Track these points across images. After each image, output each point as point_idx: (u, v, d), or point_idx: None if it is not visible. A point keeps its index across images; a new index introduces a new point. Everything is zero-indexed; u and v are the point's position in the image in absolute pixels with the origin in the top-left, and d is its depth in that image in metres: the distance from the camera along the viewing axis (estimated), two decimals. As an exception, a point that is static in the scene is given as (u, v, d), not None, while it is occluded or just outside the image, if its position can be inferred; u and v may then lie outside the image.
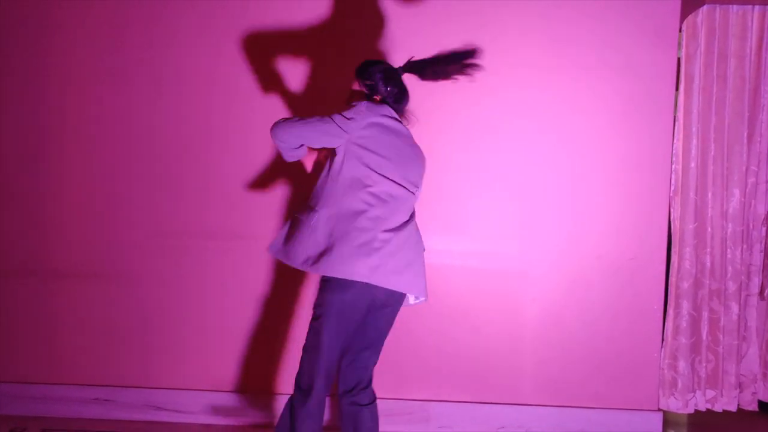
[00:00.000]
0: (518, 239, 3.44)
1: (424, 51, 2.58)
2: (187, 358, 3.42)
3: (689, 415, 3.65)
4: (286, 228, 2.47)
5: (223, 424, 3.39)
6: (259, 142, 3.35)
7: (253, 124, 3.38)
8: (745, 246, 3.60)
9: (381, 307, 2.44)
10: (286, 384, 3.39)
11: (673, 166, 3.52)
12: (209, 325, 3.42)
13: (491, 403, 3.43)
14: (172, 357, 3.42)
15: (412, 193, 2.50)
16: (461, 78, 2.56)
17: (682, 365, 3.53)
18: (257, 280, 3.42)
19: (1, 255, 3.43)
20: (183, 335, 3.42)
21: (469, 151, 3.43)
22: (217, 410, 3.40)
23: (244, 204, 3.42)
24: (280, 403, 3.37)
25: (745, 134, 3.56)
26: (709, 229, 3.57)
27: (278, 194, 3.41)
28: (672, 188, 3.50)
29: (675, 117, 3.51)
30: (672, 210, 3.52)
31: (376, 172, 2.38)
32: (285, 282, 3.41)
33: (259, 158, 3.41)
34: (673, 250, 3.53)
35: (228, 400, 3.41)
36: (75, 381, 3.41)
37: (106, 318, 3.42)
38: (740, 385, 3.63)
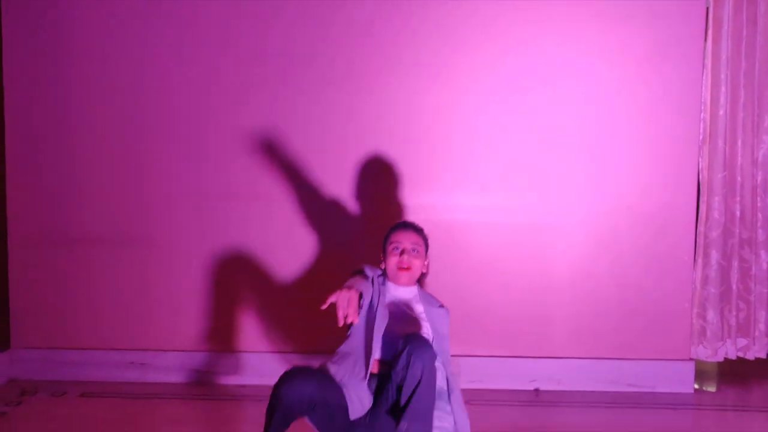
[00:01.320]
0: (546, 192, 3.42)
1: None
2: (219, 320, 3.45)
3: (719, 363, 3.67)
4: None
5: (258, 383, 3.44)
6: (279, 101, 3.36)
7: (271, 86, 3.36)
8: (775, 193, 3.56)
9: None
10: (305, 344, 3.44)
11: (702, 115, 3.47)
12: (240, 287, 3.45)
13: (521, 357, 3.45)
14: (205, 320, 3.45)
15: None
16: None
17: (711, 314, 3.52)
18: (286, 242, 3.43)
19: (36, 225, 3.45)
20: (214, 298, 3.45)
21: (494, 105, 3.39)
22: (254, 371, 3.45)
23: (268, 165, 3.41)
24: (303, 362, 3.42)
25: (776, 79, 3.49)
26: (739, 178, 3.52)
27: (297, 153, 3.41)
28: (701, 137, 3.45)
29: (703, 64, 3.44)
30: (700, 159, 3.47)
31: None
32: (316, 247, 3.42)
33: (280, 118, 3.39)
34: (701, 199, 3.50)
35: (264, 360, 3.45)
36: (111, 346, 3.46)
37: (138, 283, 3.45)
38: (769, 332, 3.64)
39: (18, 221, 3.44)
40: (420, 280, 2.78)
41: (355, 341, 2.53)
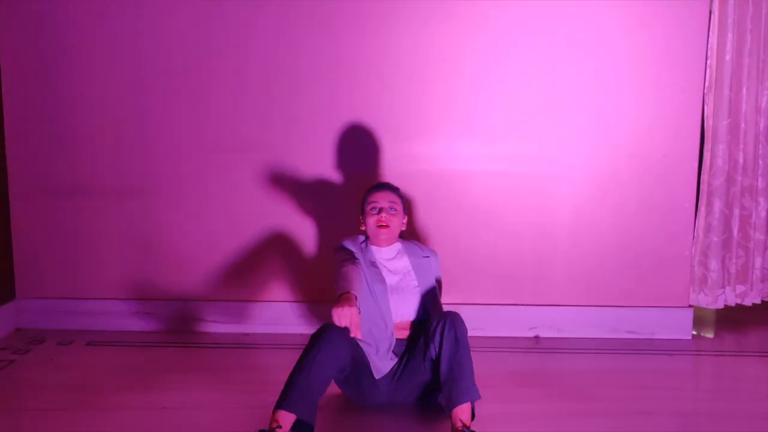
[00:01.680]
0: (548, 141, 3.40)
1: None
2: (222, 270, 3.48)
3: (717, 310, 3.71)
4: None
5: (260, 332, 3.48)
6: (290, 53, 3.32)
7: (282, 36, 3.31)
8: (777, 140, 3.54)
9: None
10: (311, 292, 3.47)
11: (708, 61, 3.42)
12: (244, 238, 3.46)
13: (523, 304, 3.49)
14: (207, 269, 3.48)
15: None
16: None
17: (713, 262, 3.54)
18: (286, 191, 3.43)
19: (36, 175, 3.43)
20: (217, 248, 3.46)
21: (495, 49, 3.34)
22: (258, 319, 3.49)
23: (276, 115, 3.38)
24: (303, 311, 3.46)
25: (784, 24, 3.43)
26: (743, 125, 3.50)
27: (314, 106, 3.37)
28: (706, 84, 3.41)
29: (710, 9, 3.37)
30: (705, 106, 3.44)
31: None
32: (321, 198, 3.42)
33: (290, 67, 3.34)
34: (705, 147, 3.48)
35: (269, 309, 3.49)
36: (116, 296, 3.49)
37: (141, 233, 3.46)
38: (764, 278, 3.67)
39: (18, 171, 3.43)
40: (404, 234, 2.84)
41: (366, 312, 2.59)
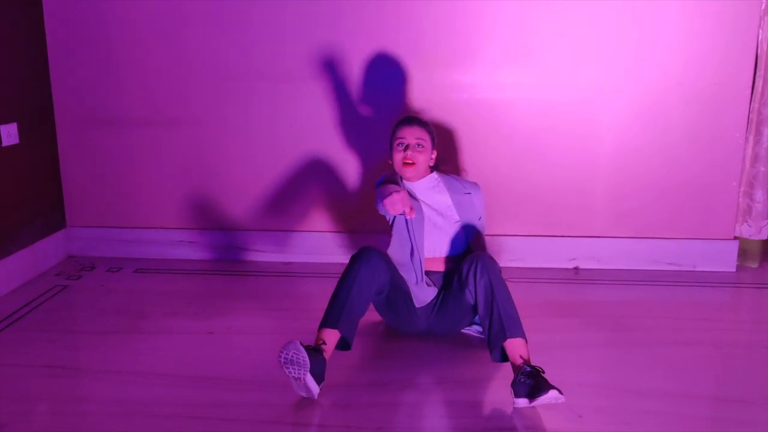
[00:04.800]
0: (593, 67, 3.31)
1: None
2: (264, 199, 3.52)
3: (762, 241, 3.64)
4: None
5: (302, 261, 3.55)
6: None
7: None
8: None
9: None
10: (351, 223, 3.50)
11: (765, -18, 3.25)
12: (285, 168, 3.49)
13: (563, 236, 3.47)
14: (251, 199, 3.53)
15: None
16: None
17: (759, 193, 3.45)
18: (327, 122, 3.42)
19: (81, 108, 3.48)
20: (260, 177, 3.50)
21: (541, -25, 3.23)
22: (299, 249, 3.55)
23: (314, 44, 3.35)
24: (345, 241, 3.50)
25: None
26: (798, 50, 3.34)
27: (356, 30, 3.33)
28: (763, 6, 3.25)
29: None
30: (761, 31, 3.29)
31: None
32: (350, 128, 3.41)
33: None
34: (757, 74, 3.34)
35: (309, 238, 3.55)
36: (163, 225, 3.57)
37: (186, 163, 3.51)
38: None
39: (64, 102, 3.48)
40: (441, 167, 2.81)
41: (400, 237, 2.63)
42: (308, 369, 2.17)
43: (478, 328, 2.71)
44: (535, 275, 3.40)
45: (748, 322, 3.06)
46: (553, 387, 2.11)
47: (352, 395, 2.32)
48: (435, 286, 2.63)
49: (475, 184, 2.80)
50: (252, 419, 2.15)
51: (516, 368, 2.27)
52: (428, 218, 2.65)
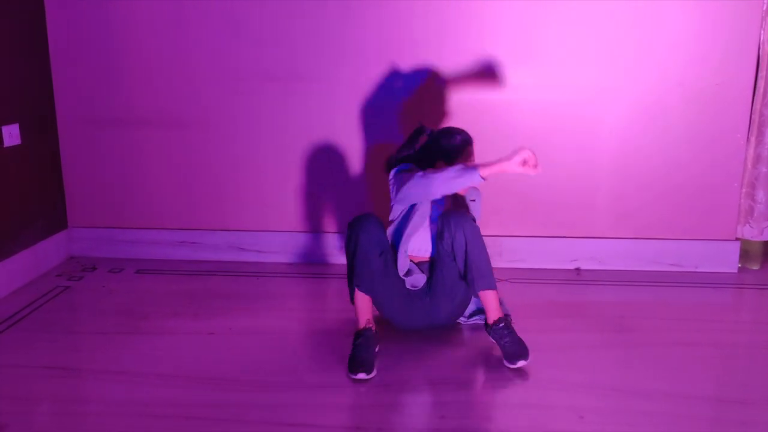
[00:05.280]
0: (594, 68, 3.30)
1: None
2: (266, 201, 3.53)
3: (764, 242, 3.63)
4: None
5: (303, 261, 3.55)
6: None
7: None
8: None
9: None
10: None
11: (767, -18, 3.25)
12: (284, 169, 3.49)
13: (564, 237, 3.47)
14: (252, 200, 3.53)
15: None
16: None
17: (761, 194, 3.45)
18: (335, 123, 3.42)
19: (83, 107, 3.48)
20: (263, 179, 3.50)
21: (542, -24, 3.23)
22: (297, 250, 3.56)
23: (326, 45, 3.34)
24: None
25: None
26: (801, 51, 3.34)
27: (355, 38, 3.33)
28: (765, 6, 3.24)
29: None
30: (762, 32, 3.28)
31: None
32: (357, 131, 3.41)
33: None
34: (759, 74, 3.34)
35: (311, 239, 3.55)
36: (163, 226, 3.57)
37: (188, 164, 3.51)
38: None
39: (66, 103, 3.48)
40: None
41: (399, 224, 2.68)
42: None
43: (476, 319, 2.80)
44: (537, 276, 3.40)
45: (749, 323, 3.06)
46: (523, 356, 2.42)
47: (352, 396, 2.32)
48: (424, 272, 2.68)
49: (478, 190, 2.83)
50: (252, 420, 2.16)
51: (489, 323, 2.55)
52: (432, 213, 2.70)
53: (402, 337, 2.70)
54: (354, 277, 2.54)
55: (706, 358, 2.59)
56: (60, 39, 3.42)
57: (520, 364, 2.43)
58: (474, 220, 2.63)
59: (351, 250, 2.55)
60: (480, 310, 2.75)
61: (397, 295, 2.63)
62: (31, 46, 3.33)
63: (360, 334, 2.51)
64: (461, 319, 2.81)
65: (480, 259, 2.52)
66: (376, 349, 2.54)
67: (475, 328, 2.77)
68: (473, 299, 2.75)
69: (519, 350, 2.45)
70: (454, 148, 2.66)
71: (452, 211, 2.58)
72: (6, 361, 2.52)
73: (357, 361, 2.43)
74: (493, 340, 2.54)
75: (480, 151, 3.36)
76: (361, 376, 2.38)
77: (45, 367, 2.48)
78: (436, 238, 2.61)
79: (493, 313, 2.53)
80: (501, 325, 2.51)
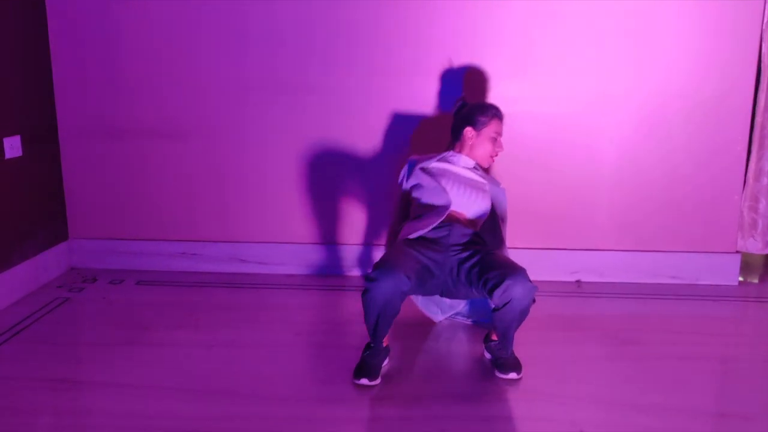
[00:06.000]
0: (594, 80, 3.31)
1: None
2: (267, 212, 3.53)
3: (765, 256, 3.63)
4: None
5: (304, 273, 3.55)
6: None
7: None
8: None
9: None
10: (353, 235, 3.50)
11: (766, -4, 3.26)
12: (286, 181, 3.49)
13: (565, 249, 3.47)
14: (253, 212, 3.53)
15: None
16: None
17: (763, 206, 3.45)
18: (338, 135, 3.43)
19: (84, 118, 3.49)
20: (263, 190, 3.51)
21: (543, -10, 3.25)
22: (299, 261, 3.56)
23: (328, 55, 3.35)
24: (346, 253, 3.50)
25: None
26: (802, 64, 3.35)
27: (359, 45, 3.34)
28: (764, 20, 3.25)
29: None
30: (763, 44, 3.29)
31: None
32: (366, 142, 3.42)
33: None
34: (760, 87, 3.34)
35: (311, 251, 3.55)
36: (164, 237, 3.58)
37: (189, 176, 3.51)
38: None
39: (68, 114, 3.49)
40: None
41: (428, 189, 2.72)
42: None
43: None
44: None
45: (750, 337, 3.05)
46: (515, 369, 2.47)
47: (356, 409, 2.31)
48: (463, 240, 2.64)
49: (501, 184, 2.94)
50: (252, 433, 2.15)
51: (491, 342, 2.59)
52: (461, 181, 2.73)
53: (407, 351, 2.69)
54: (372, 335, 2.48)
55: (707, 371, 2.58)
56: (62, 50, 3.43)
57: (512, 375, 2.47)
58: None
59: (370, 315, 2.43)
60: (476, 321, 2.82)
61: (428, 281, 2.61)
62: (33, 58, 3.34)
63: (371, 346, 2.51)
64: (453, 315, 2.90)
65: (512, 329, 2.47)
66: (385, 362, 2.54)
67: (477, 340, 2.77)
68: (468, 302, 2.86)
69: (514, 363, 2.50)
70: (482, 113, 2.78)
71: (522, 279, 2.41)
72: (5, 372, 2.52)
73: (362, 368, 2.43)
74: (489, 354, 2.59)
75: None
76: (364, 381, 2.39)
77: (45, 379, 2.47)
78: (480, 280, 2.49)
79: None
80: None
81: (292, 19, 3.31)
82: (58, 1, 3.38)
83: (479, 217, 2.73)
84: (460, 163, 2.79)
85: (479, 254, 2.56)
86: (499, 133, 2.80)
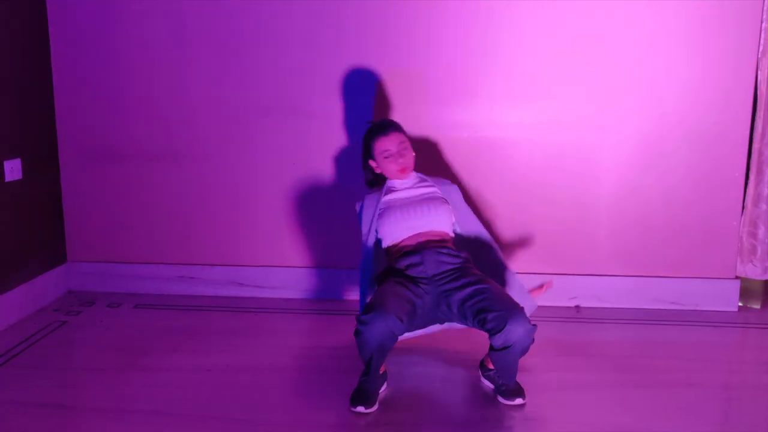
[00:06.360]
0: (593, 105, 3.33)
1: None
2: (266, 236, 3.53)
3: (765, 282, 3.62)
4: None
5: (301, 297, 3.54)
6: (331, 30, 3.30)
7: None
8: (835, 107, 3.40)
9: None
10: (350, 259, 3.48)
11: (763, 24, 3.28)
12: (283, 204, 3.50)
13: (564, 274, 3.46)
14: (251, 235, 3.53)
15: None
16: None
17: (762, 232, 3.45)
18: (334, 157, 3.44)
19: (84, 141, 3.51)
20: (260, 214, 3.51)
21: (537, 16, 3.27)
22: (296, 285, 3.54)
23: (317, 79, 3.38)
24: (343, 277, 3.49)
25: None
26: (798, 91, 3.37)
27: (343, 66, 3.37)
28: (761, 49, 3.28)
29: (767, -32, 3.24)
30: (759, 72, 3.32)
31: None
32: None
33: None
34: (757, 115, 3.36)
35: (310, 275, 3.54)
36: (163, 260, 3.57)
37: (188, 199, 3.52)
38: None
39: (68, 137, 3.51)
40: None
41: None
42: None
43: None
44: (536, 313, 3.35)
45: (751, 363, 3.03)
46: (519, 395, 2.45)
47: (350, 436, 2.29)
48: (453, 261, 2.62)
49: (451, 182, 2.93)
50: (248, 460, 2.13)
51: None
52: (409, 202, 2.74)
53: (406, 377, 2.67)
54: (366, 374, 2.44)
55: (708, 398, 2.56)
56: (64, 76, 3.46)
57: (518, 401, 2.44)
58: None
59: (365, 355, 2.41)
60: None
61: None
62: (35, 81, 3.36)
63: (368, 372, 2.48)
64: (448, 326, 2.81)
65: (513, 365, 2.44)
66: (383, 388, 2.52)
67: (475, 365, 2.75)
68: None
69: (517, 388, 2.47)
70: (367, 141, 2.81)
71: (522, 321, 2.36)
72: (1, 397, 2.49)
73: (359, 395, 2.41)
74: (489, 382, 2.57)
75: (478, 189, 3.40)
76: (360, 409, 2.36)
77: (40, 405, 2.45)
78: (476, 318, 2.46)
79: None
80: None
81: (300, 44, 3.34)
82: (60, 25, 3.42)
83: (449, 225, 2.75)
84: (401, 186, 2.80)
85: (471, 286, 2.51)
86: (389, 148, 2.74)
